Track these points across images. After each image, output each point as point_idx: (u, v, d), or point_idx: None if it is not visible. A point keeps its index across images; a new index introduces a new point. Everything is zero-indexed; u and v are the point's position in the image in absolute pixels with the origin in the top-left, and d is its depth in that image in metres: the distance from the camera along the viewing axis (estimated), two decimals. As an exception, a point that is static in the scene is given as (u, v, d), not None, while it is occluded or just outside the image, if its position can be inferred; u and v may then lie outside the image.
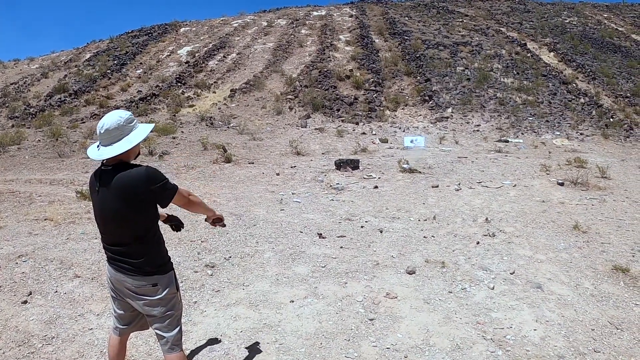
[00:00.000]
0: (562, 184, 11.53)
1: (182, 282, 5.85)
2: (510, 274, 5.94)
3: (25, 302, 5.26)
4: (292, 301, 5.20)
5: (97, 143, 2.98)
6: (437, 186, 11.19)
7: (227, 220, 8.28)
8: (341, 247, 6.91)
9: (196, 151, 16.49)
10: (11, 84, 30.94)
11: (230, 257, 6.65)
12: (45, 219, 8.79)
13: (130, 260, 3.01)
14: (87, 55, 35.36)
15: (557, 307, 5.09)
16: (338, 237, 7.42)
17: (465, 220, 8.38)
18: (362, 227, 7.99)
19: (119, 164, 2.92)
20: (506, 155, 16.64)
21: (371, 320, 4.75)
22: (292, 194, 10.61)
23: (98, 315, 5.05)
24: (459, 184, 11.34)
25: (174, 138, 18.95)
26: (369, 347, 4.28)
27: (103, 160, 2.95)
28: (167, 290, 3.16)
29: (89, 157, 3.06)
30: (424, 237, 7.42)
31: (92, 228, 8.09)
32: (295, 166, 13.94)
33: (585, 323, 4.74)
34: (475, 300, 5.19)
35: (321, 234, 7.48)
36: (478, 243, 7.10)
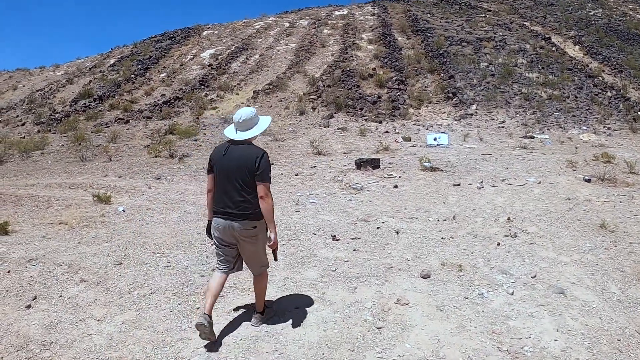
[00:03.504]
0: (588, 181, 11.03)
1: (187, 286, 5.68)
2: (532, 277, 5.56)
3: (29, 306, 5.15)
4: (297, 307, 4.93)
5: (234, 128, 4.28)
6: (459, 184, 10.79)
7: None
8: (354, 250, 6.60)
9: (216, 153, 16.38)
10: (37, 90, 31.31)
11: (239, 260, 6.43)
12: (60, 223, 8.73)
13: (242, 209, 4.13)
14: (112, 61, 35.63)
15: (580, 314, 4.70)
16: (352, 239, 7.11)
17: (486, 220, 7.98)
18: (378, 228, 7.67)
19: (247, 142, 4.24)
20: (531, 152, 16.12)
21: (379, 329, 4.43)
22: (310, 194, 10.36)
23: (99, 320, 4.87)
24: (482, 182, 10.92)
25: (195, 140, 18.91)
26: (374, 358, 3.96)
27: (237, 139, 4.22)
28: (262, 230, 4.30)
29: (225, 136, 4.36)
30: (442, 238, 7.06)
31: (104, 232, 8.00)
32: (315, 166, 13.68)
33: (611, 332, 4.34)
34: (492, 307, 4.83)
35: (335, 236, 7.19)
36: (499, 244, 6.71)
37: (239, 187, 4.10)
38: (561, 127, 21.76)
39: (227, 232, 4.23)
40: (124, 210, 9.44)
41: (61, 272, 6.19)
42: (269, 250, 4.47)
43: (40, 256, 6.73)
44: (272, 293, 5.28)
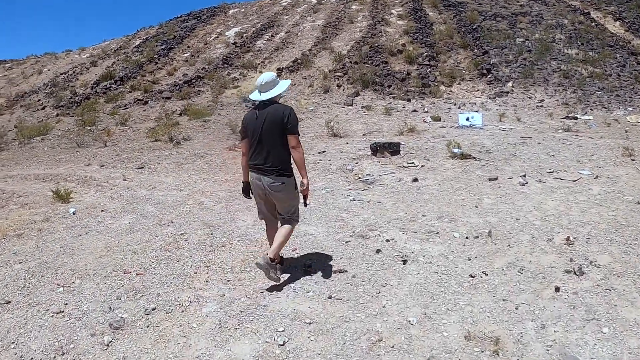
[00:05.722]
0: (657, 175, 8.18)
1: (62, 354, 3.55)
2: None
3: None
4: None
5: (257, 91, 4.34)
6: (496, 179, 8.06)
7: (197, 234, 5.82)
8: (329, 297, 4.06)
9: (222, 135, 14.06)
10: (61, 74, 29.42)
11: (155, 308, 4.05)
12: (-5, 230, 6.66)
13: (272, 165, 4.24)
14: (137, 42, 33.39)
15: None
16: (334, 272, 4.60)
17: (535, 240, 5.26)
18: (378, 251, 5.08)
19: (272, 102, 4.30)
20: (577, 135, 13.06)
21: None
22: (304, 191, 7.88)
23: None
24: (525, 175, 8.15)
25: (204, 122, 16.62)
26: None
27: (262, 100, 4.29)
28: (290, 187, 4.36)
29: (249, 100, 4.21)
30: (471, 276, 4.41)
31: (30, 245, 5.97)
32: (324, 151, 11.15)
33: None
34: None
35: (309, 267, 4.67)
36: (557, 290, 4.04)
37: (271, 144, 4.21)
38: (605, 108, 18.60)
39: (259, 185, 4.35)
40: (74, 213, 7.23)
41: None
42: (301, 200, 4.49)
43: None
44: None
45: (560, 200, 6.72)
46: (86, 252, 5.54)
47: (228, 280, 4.44)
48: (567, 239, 5.13)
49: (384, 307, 3.87)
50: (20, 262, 5.40)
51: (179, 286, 4.40)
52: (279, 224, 4.54)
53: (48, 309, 4.21)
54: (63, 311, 4.16)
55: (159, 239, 5.77)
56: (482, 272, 4.44)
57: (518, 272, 4.44)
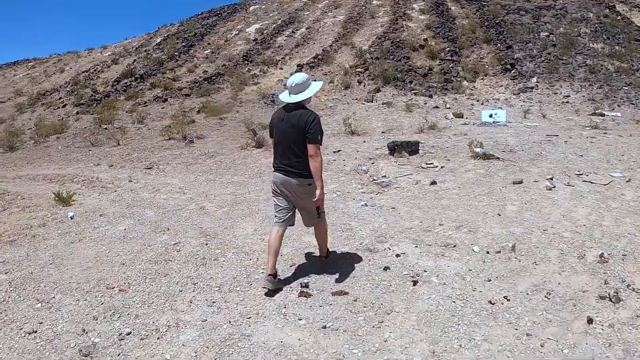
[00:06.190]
0: (695, 177, 7.43)
1: None
2: None
3: None
4: None
5: (288, 92, 4.21)
6: (521, 182, 7.40)
7: (191, 244, 5.35)
8: (324, 327, 3.52)
9: (237, 134, 13.57)
10: (82, 72, 29.33)
11: (130, 332, 3.59)
12: (-11, 235, 6.31)
13: (297, 169, 4.14)
14: (158, 40, 33.12)
15: None
16: (334, 294, 4.04)
17: (564, 256, 4.62)
18: (386, 268, 4.52)
19: (300, 106, 4.18)
20: (605, 133, 12.26)
21: None
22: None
23: None
24: (552, 178, 7.47)
25: (221, 119, 16.18)
26: None
27: (291, 102, 4.17)
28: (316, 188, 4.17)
29: (281, 101, 4.35)
30: (490, 302, 3.80)
31: (21, 253, 5.55)
32: (339, 150, 10.62)
33: None
34: None
35: (306, 286, 4.16)
36: (590, 322, 3.43)
37: (295, 148, 4.13)
38: (633, 104, 17.78)
39: (284, 185, 4.27)
40: (72, 217, 6.84)
41: None
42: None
43: None
44: None
45: (592, 208, 6.05)
46: (74, 263, 5.12)
47: (213, 302, 3.94)
48: (601, 255, 4.48)
49: (385, 341, 3.31)
50: (7, 272, 5.01)
51: (160, 307, 3.93)
52: (314, 229, 4.61)
53: (21, 328, 3.81)
54: (36, 331, 3.75)
55: (151, 249, 5.32)
56: (504, 297, 3.84)
57: (545, 297, 3.83)
